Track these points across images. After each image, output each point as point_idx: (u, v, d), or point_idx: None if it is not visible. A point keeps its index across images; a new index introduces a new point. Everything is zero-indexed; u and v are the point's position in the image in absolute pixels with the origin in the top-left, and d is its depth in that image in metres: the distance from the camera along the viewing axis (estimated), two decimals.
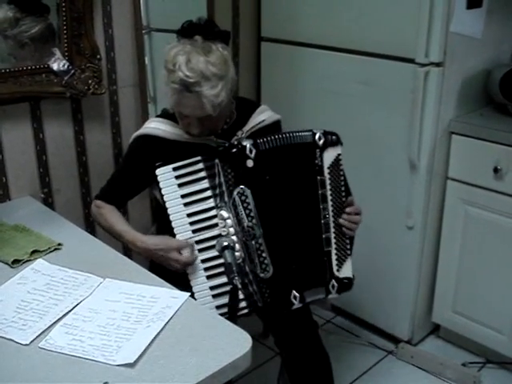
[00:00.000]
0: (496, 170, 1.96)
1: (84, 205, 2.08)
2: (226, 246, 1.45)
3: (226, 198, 1.54)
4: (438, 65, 1.94)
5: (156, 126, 1.67)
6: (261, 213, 1.54)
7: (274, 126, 1.77)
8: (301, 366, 1.70)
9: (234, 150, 1.53)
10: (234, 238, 1.54)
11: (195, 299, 1.49)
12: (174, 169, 1.54)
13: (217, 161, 1.54)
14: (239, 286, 1.50)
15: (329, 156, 1.62)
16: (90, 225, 2.08)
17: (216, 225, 1.55)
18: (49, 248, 1.53)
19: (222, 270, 1.52)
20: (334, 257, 1.65)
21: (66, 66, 1.87)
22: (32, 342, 1.17)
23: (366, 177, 2.16)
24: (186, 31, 1.54)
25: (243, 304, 1.56)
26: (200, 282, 1.56)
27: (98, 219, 1.73)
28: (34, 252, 1.51)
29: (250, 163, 1.53)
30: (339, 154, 1.64)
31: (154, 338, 1.17)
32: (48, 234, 1.61)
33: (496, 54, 2.18)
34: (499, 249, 2.04)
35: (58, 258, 1.50)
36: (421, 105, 1.96)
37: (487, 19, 2.03)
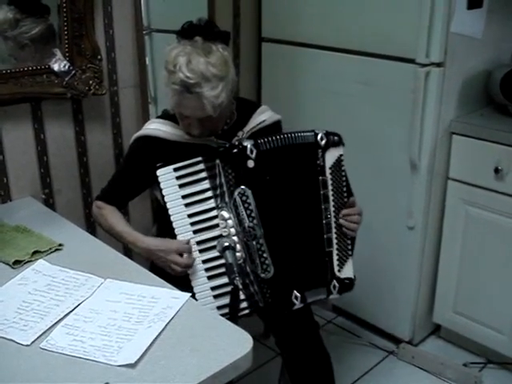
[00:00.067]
0: (497, 171, 1.96)
1: (85, 205, 2.08)
2: (226, 246, 1.45)
3: (227, 199, 1.54)
4: (438, 65, 1.94)
5: (156, 127, 1.67)
6: (262, 213, 1.54)
7: (275, 127, 1.77)
8: (302, 367, 1.70)
9: (235, 150, 1.53)
10: (235, 238, 1.54)
11: (196, 300, 1.49)
12: (175, 169, 1.54)
13: (217, 161, 1.54)
14: (240, 287, 1.50)
15: (331, 156, 1.62)
16: (91, 225, 2.08)
17: (217, 225, 1.55)
18: (50, 249, 1.53)
19: (222, 270, 1.52)
20: (335, 257, 1.65)
21: (66, 67, 1.87)
22: (33, 342, 1.17)
23: (366, 177, 2.16)
24: (186, 32, 1.54)
25: (244, 304, 1.56)
26: (201, 282, 1.56)
27: (98, 220, 1.73)
28: (34, 253, 1.51)
29: (250, 163, 1.53)
30: (341, 155, 1.64)
31: (155, 338, 1.17)
32: (49, 234, 1.61)
33: (496, 54, 2.18)
34: (500, 249, 2.04)
35: (58, 258, 1.50)
36: (421, 105, 1.96)
37: (488, 19, 2.04)
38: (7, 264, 1.47)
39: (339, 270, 1.66)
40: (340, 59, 2.16)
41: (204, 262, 1.56)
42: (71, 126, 1.99)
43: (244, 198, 1.53)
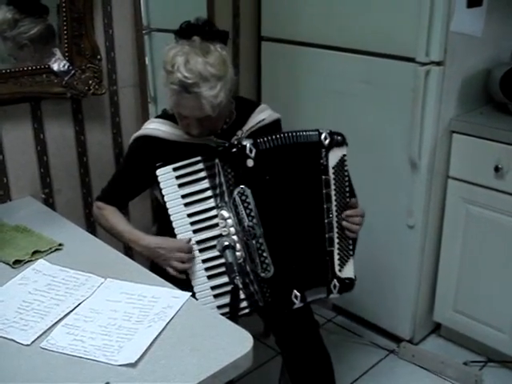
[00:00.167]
0: (497, 169, 1.96)
1: (85, 205, 2.08)
2: (226, 245, 1.45)
3: (227, 198, 1.54)
4: (438, 64, 1.94)
5: (156, 127, 1.67)
6: (261, 212, 1.54)
7: (274, 125, 1.77)
8: (302, 366, 1.70)
9: (234, 149, 1.53)
10: (235, 237, 1.54)
11: (196, 299, 1.49)
12: (175, 169, 1.54)
13: (217, 161, 1.54)
14: (240, 286, 1.50)
15: (334, 156, 1.62)
16: (91, 225, 2.08)
17: (216, 225, 1.55)
18: (50, 248, 1.53)
19: (222, 269, 1.52)
20: (336, 257, 1.65)
21: (66, 67, 1.87)
22: (33, 342, 1.17)
23: (366, 176, 2.16)
24: (184, 32, 1.54)
25: (244, 304, 1.56)
26: (201, 281, 1.56)
27: (99, 220, 1.73)
28: (35, 252, 1.51)
29: (250, 163, 1.53)
30: (344, 155, 1.63)
31: (156, 337, 1.17)
32: (49, 234, 1.61)
33: (496, 52, 2.18)
34: (500, 247, 2.04)
35: (59, 258, 1.50)
36: (421, 104, 1.96)
37: (487, 18, 2.03)
38: (7, 264, 1.47)
39: (340, 270, 1.66)
40: (340, 58, 2.16)
41: (204, 261, 1.56)
42: (71, 126, 1.99)
43: (243, 198, 1.53)
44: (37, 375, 1.08)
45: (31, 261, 1.48)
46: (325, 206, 1.61)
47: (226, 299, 1.50)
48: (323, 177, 1.61)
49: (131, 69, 2.09)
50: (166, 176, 1.54)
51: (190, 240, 1.55)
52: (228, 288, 1.47)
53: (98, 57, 1.92)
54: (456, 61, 1.99)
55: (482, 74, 2.15)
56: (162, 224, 1.70)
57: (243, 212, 1.53)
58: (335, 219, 1.63)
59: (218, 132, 1.65)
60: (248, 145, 1.52)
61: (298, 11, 2.24)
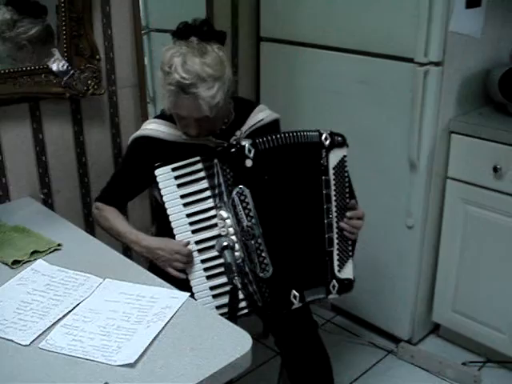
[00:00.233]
0: (495, 170, 1.96)
1: (84, 205, 2.08)
2: (225, 245, 1.44)
3: (225, 198, 1.54)
4: (437, 64, 1.94)
5: (154, 128, 1.67)
6: (260, 212, 1.54)
7: (273, 125, 1.77)
8: (301, 366, 1.70)
9: (233, 149, 1.53)
10: (234, 237, 1.54)
11: (195, 299, 1.49)
12: (173, 169, 1.54)
13: (216, 161, 1.54)
14: (239, 286, 1.50)
15: (334, 157, 1.62)
16: (90, 225, 2.08)
17: (215, 225, 1.55)
18: (49, 248, 1.53)
19: (221, 270, 1.52)
20: (335, 257, 1.64)
21: (65, 67, 1.87)
22: (32, 342, 1.17)
23: (365, 176, 2.16)
24: (182, 32, 1.54)
25: (243, 304, 1.56)
26: (200, 282, 1.56)
27: (99, 221, 1.73)
28: (33, 253, 1.51)
29: (248, 163, 1.53)
30: (345, 156, 1.63)
31: (154, 338, 1.17)
32: (48, 234, 1.61)
33: (495, 53, 2.18)
34: (499, 248, 2.05)
35: (57, 258, 1.50)
36: (420, 104, 1.96)
37: (486, 18, 2.04)
38: (6, 264, 1.47)
39: (339, 270, 1.65)
40: (338, 58, 2.16)
41: (203, 261, 1.56)
42: (70, 126, 1.99)
43: (242, 198, 1.53)
44: (36, 375, 1.08)
45: (30, 261, 1.48)
46: (325, 207, 1.61)
47: (225, 299, 1.50)
48: (323, 177, 1.61)
49: (130, 69, 2.09)
50: (164, 176, 1.54)
51: (188, 243, 1.55)
52: (227, 288, 1.47)
53: (97, 57, 1.92)
54: (455, 61, 1.99)
55: (481, 74, 2.15)
56: (161, 224, 1.70)
57: (242, 212, 1.53)
58: (335, 220, 1.63)
59: (216, 132, 1.65)
60: (247, 145, 1.52)
61: (297, 12, 2.24)
